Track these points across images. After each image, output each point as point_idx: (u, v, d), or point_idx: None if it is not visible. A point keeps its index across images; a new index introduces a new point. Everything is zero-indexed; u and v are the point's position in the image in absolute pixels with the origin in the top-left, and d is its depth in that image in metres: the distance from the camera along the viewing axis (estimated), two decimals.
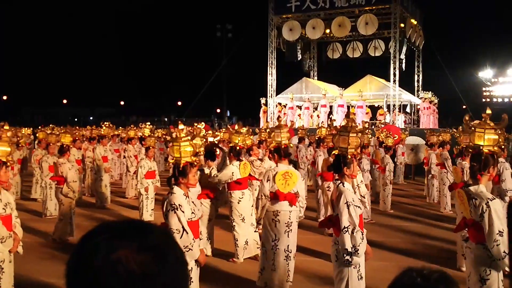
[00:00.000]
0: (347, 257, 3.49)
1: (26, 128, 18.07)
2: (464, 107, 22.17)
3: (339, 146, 3.85)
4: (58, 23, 56.74)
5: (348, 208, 3.53)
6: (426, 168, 10.44)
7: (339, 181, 3.75)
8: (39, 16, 56.88)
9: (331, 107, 19.30)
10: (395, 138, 10.57)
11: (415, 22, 20.88)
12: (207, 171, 6.10)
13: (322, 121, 17.95)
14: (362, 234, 3.54)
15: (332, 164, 3.97)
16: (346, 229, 3.50)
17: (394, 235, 7.42)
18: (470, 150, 3.67)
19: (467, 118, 3.76)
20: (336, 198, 3.66)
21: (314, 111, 19.72)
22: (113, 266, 0.77)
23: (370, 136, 10.14)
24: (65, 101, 51.67)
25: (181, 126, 3.86)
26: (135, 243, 0.80)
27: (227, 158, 6.25)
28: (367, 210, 8.30)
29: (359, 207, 3.62)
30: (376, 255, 6.17)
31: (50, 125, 12.56)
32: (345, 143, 3.82)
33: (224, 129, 13.51)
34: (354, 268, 3.56)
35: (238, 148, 6.23)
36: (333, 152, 3.91)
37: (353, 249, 3.48)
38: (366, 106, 18.97)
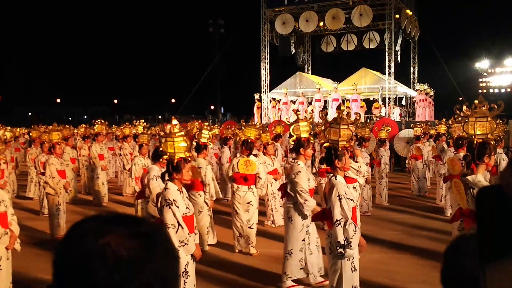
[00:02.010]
0: (340, 250, 3.50)
1: (20, 128, 17.96)
2: (460, 98, 22.15)
3: (330, 138, 3.83)
4: (50, 22, 56.30)
5: (340, 201, 3.53)
6: (420, 160, 10.53)
7: (331, 174, 3.73)
8: (30, 15, 56.40)
9: (325, 101, 19.21)
10: (388, 131, 10.58)
11: (410, 13, 20.70)
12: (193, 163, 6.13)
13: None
14: (355, 227, 3.54)
15: (323, 157, 3.96)
16: (338, 222, 3.51)
17: (391, 227, 7.42)
18: (464, 140, 3.63)
19: (460, 107, 3.72)
20: (328, 191, 3.65)
21: (308, 106, 19.64)
22: (101, 250, 0.76)
23: (370, 129, 10.16)
24: (58, 100, 51.39)
25: (174, 122, 3.83)
26: (125, 230, 0.79)
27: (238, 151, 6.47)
28: (367, 203, 8.32)
29: (352, 200, 3.62)
30: (373, 247, 6.18)
31: (39, 125, 12.47)
32: (336, 136, 3.80)
33: (218, 126, 13.48)
34: (347, 260, 3.58)
35: (250, 141, 6.38)
36: (324, 145, 3.89)
37: (345, 241, 3.49)
38: (361, 99, 18.86)
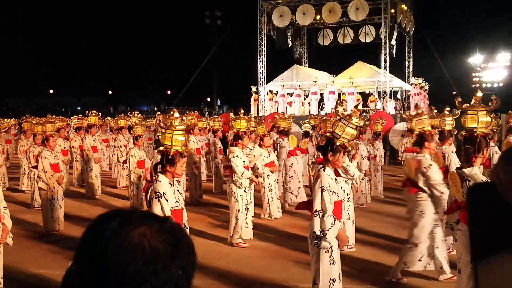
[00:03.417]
0: (316, 241, 3.54)
1: (10, 120, 17.77)
2: (454, 92, 22.26)
3: (334, 131, 3.82)
4: (43, 12, 55.65)
5: (322, 193, 3.55)
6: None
7: (322, 165, 3.76)
8: (23, 6, 55.70)
9: (322, 94, 19.22)
10: (383, 124, 10.61)
11: (405, 8, 20.75)
12: None
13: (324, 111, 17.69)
14: (335, 221, 3.54)
15: (321, 145, 3.97)
16: (317, 213, 3.54)
17: (386, 220, 7.44)
18: (463, 133, 3.63)
19: (462, 100, 3.72)
20: (314, 182, 3.68)
21: (305, 99, 19.64)
22: (139, 240, 0.78)
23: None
24: (51, 91, 50.96)
25: (176, 114, 3.79)
26: (155, 224, 0.82)
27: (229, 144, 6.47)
28: (365, 195, 8.33)
29: (336, 193, 3.62)
30: (368, 240, 6.21)
31: (27, 115, 12.27)
32: (340, 131, 3.79)
33: (215, 117, 13.43)
34: (326, 252, 3.59)
35: (240, 134, 6.38)
36: (326, 134, 3.89)
37: (321, 233, 3.51)
38: (357, 93, 18.92)
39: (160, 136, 3.74)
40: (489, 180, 0.57)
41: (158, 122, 4.24)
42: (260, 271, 5.11)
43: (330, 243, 3.56)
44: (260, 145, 7.60)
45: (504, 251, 0.58)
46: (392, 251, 5.69)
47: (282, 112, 13.32)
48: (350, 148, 3.81)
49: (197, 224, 7.10)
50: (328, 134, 3.88)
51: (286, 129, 8.97)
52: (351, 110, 4.18)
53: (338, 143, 3.73)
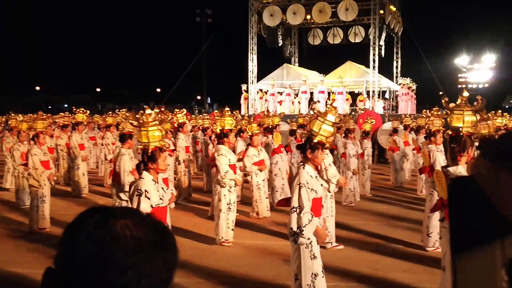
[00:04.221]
0: (293, 237, 3.57)
1: None
2: (441, 93, 22.52)
3: (312, 129, 3.88)
4: (30, 9, 54.83)
5: (300, 189, 3.58)
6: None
7: (302, 163, 3.80)
8: (8, 2, 54.80)
9: (312, 93, 19.32)
10: (372, 123, 10.72)
11: (394, 9, 20.97)
12: None
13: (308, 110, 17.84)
14: (312, 217, 3.58)
15: (301, 144, 4.02)
16: (295, 209, 3.58)
17: (373, 218, 7.50)
18: (449, 132, 3.68)
19: (448, 100, 3.77)
20: (293, 179, 3.72)
21: (295, 98, 19.71)
22: (121, 230, 0.77)
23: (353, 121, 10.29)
24: (38, 88, 50.24)
25: (148, 111, 3.78)
26: (138, 216, 0.82)
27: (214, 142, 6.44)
28: (353, 194, 8.39)
29: (315, 191, 3.65)
30: (355, 237, 6.26)
31: (11, 112, 12.10)
32: (318, 128, 3.87)
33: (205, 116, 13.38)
34: (306, 248, 3.62)
35: (225, 131, 6.35)
36: (304, 132, 3.93)
37: (298, 229, 3.54)
38: (347, 92, 19.07)
39: (137, 135, 3.72)
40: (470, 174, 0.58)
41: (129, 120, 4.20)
42: (248, 269, 5.11)
43: (308, 239, 3.59)
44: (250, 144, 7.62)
45: (483, 245, 0.59)
46: (380, 249, 5.75)
47: (267, 110, 13.34)
48: (328, 145, 3.88)
49: (185, 222, 7.07)
50: (307, 133, 3.94)
51: (270, 126, 8.99)
52: (327, 108, 4.25)
53: (316, 140, 3.79)
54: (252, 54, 20.60)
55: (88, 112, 12.22)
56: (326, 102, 17.51)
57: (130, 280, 0.75)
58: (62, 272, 0.78)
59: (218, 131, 6.69)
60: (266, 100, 19.79)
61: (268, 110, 13.71)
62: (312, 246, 3.65)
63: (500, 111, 11.97)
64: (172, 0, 59.16)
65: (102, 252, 0.76)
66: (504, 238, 0.55)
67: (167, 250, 0.82)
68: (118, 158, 6.18)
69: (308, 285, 3.61)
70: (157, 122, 3.66)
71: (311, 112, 16.63)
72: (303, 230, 3.53)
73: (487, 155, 0.56)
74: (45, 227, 6.76)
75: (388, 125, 14.60)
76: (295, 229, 3.54)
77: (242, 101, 20.89)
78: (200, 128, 11.78)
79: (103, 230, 0.78)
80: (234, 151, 9.15)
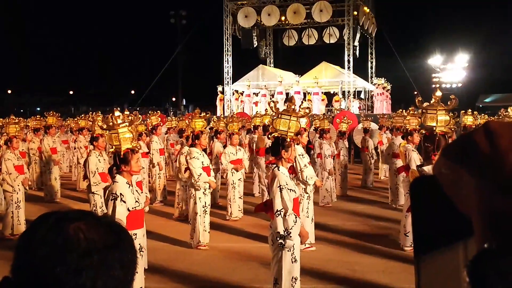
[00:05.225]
0: (280, 240, 3.53)
1: None
2: (415, 92, 22.99)
3: (279, 129, 3.85)
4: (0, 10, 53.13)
5: (281, 192, 3.56)
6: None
7: (275, 165, 3.78)
8: None
9: (287, 94, 19.38)
10: (349, 124, 10.80)
11: (367, 10, 21.30)
12: None
13: (266, 109, 17.74)
14: (296, 218, 3.57)
15: (270, 146, 3.99)
16: (279, 212, 3.54)
17: (350, 218, 7.53)
18: (422, 131, 3.71)
19: (421, 99, 3.80)
20: (270, 182, 3.68)
21: (271, 98, 19.71)
22: (74, 233, 0.78)
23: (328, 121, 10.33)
24: (9, 91, 48.74)
25: (117, 113, 3.69)
26: (91, 218, 0.83)
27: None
28: (330, 194, 8.41)
29: (293, 191, 3.65)
30: (333, 238, 6.26)
31: None
32: (286, 126, 3.82)
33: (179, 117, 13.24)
34: (288, 251, 3.59)
35: (196, 133, 6.28)
36: (273, 135, 3.92)
37: (285, 232, 3.51)
38: (322, 92, 19.23)
39: (107, 138, 3.63)
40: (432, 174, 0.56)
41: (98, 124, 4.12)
42: (224, 272, 5.03)
43: (294, 242, 3.56)
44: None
45: (446, 246, 0.57)
46: (358, 249, 5.76)
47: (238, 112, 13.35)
48: (298, 142, 3.90)
49: (160, 226, 6.94)
50: (276, 134, 3.91)
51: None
52: (300, 107, 4.29)
53: (288, 139, 3.80)
54: (227, 55, 20.53)
55: (59, 115, 11.91)
56: (302, 102, 17.60)
57: (85, 281, 0.75)
58: (18, 279, 0.78)
59: (189, 133, 6.61)
60: (241, 101, 19.74)
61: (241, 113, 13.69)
62: (294, 249, 3.63)
63: (470, 110, 12.31)
64: (146, 2, 58.49)
65: (55, 254, 0.76)
66: (466, 239, 0.55)
67: (123, 251, 0.81)
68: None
69: None
70: (127, 124, 3.56)
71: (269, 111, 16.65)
72: (290, 233, 3.50)
73: (448, 155, 0.54)
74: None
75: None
76: (282, 232, 3.50)
77: (217, 102, 20.79)
78: (176, 129, 11.63)
79: (56, 233, 0.78)
80: (211, 153, 9.13)
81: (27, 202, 8.36)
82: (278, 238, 3.53)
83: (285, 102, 19.14)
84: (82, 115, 13.57)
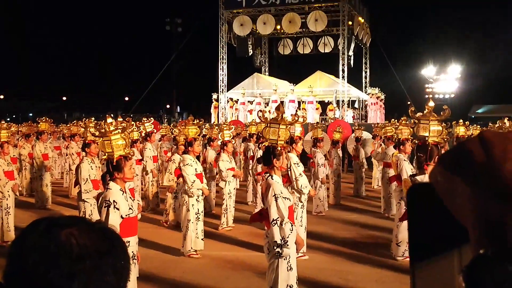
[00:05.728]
0: (278, 249, 3.52)
1: None
2: (408, 102, 23.16)
3: (269, 138, 3.87)
4: None
5: (276, 201, 3.55)
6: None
7: (268, 174, 3.77)
8: None
9: (282, 102, 19.42)
10: (341, 133, 10.83)
11: (362, 20, 21.51)
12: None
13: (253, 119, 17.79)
14: (292, 226, 3.57)
15: (261, 156, 3.99)
16: (275, 222, 3.53)
17: (343, 227, 7.52)
18: (415, 141, 3.73)
19: (414, 109, 3.82)
20: (265, 191, 3.68)
21: (265, 107, 19.75)
22: (66, 238, 0.77)
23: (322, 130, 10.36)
24: (1, 96, 48.43)
25: (109, 120, 3.67)
26: (83, 224, 0.83)
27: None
28: (323, 203, 8.41)
29: (288, 199, 3.65)
30: (326, 247, 6.24)
31: None
32: (275, 135, 3.83)
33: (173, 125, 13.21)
34: (284, 259, 3.59)
35: (189, 140, 6.25)
36: (263, 144, 3.93)
37: (282, 241, 3.51)
38: (317, 101, 19.32)
39: (100, 145, 3.61)
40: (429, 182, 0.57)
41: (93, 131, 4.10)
42: (217, 281, 4.99)
43: (290, 250, 3.56)
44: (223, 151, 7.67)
45: (442, 253, 0.57)
46: (351, 259, 5.74)
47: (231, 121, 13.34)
48: (289, 149, 3.91)
49: (152, 233, 6.88)
50: (266, 143, 3.92)
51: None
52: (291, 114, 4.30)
53: (279, 148, 3.81)
54: (222, 63, 20.58)
55: (52, 120, 11.83)
56: (296, 111, 17.64)
57: (77, 286, 0.75)
58: (10, 285, 0.78)
59: (182, 140, 6.59)
60: (236, 109, 19.76)
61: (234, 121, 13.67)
62: (290, 258, 3.62)
63: (461, 121, 12.40)
64: (142, 9, 58.65)
65: (48, 259, 0.76)
66: (461, 246, 0.56)
67: (116, 257, 0.81)
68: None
69: None
70: (119, 131, 3.54)
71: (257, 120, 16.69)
72: (287, 241, 3.50)
73: (444, 163, 0.54)
74: (10, 240, 6.47)
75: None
76: (279, 241, 3.49)
77: (212, 110, 20.79)
78: (170, 137, 11.60)
79: (48, 239, 0.78)
80: (205, 161, 9.10)
81: (18, 208, 8.27)
82: (275, 247, 3.52)
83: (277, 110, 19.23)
84: (75, 121, 13.50)
